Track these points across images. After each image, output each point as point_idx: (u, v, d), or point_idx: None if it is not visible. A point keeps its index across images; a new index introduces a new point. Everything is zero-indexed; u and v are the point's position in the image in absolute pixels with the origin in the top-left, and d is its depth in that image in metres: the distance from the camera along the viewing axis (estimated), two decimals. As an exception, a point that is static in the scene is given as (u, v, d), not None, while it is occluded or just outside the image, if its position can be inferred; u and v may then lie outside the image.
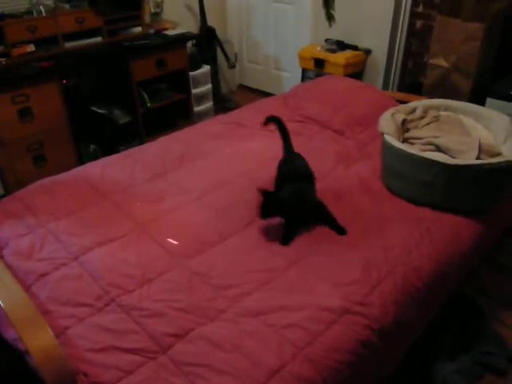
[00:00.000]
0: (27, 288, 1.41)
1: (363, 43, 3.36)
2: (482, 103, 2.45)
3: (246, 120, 2.51)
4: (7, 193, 2.54)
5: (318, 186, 1.71)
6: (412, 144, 1.94)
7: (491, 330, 1.79)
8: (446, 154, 1.83)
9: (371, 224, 1.67)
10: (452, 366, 1.64)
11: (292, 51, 3.83)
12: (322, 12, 3.47)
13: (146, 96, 3.17)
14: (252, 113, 2.61)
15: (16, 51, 2.68)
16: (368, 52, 3.36)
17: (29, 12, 2.78)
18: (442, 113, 2.14)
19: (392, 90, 3.36)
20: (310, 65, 3.45)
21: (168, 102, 3.33)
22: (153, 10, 3.48)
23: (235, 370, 1.14)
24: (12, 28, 2.64)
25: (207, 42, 3.78)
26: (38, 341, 1.12)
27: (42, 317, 1.21)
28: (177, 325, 1.27)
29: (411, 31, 3.13)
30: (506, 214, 1.93)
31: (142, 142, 2.96)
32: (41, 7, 2.79)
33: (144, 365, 1.18)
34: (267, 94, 4.03)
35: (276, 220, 1.67)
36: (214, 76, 3.88)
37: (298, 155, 1.81)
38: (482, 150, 1.78)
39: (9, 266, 1.48)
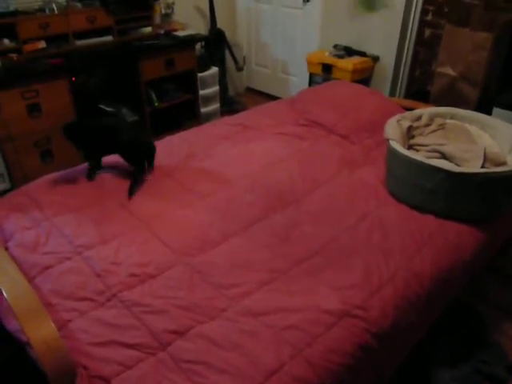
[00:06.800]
0: (31, 280, 1.43)
1: (371, 50, 3.37)
2: (489, 113, 2.46)
3: (252, 122, 2.53)
4: (13, 187, 2.57)
5: (322, 190, 1.71)
6: (417, 151, 1.94)
7: (491, 339, 1.78)
8: (450, 161, 1.83)
9: (374, 229, 1.68)
10: (451, 374, 1.64)
11: (300, 56, 3.85)
12: (331, 17, 3.50)
13: (153, 95, 3.20)
14: (258, 115, 2.63)
15: (27, 47, 2.72)
16: (376, 59, 3.37)
17: (41, 9, 2.82)
18: (448, 121, 2.15)
19: (399, 97, 3.37)
20: (318, 70, 3.46)
21: (175, 102, 3.36)
22: (163, 11, 3.51)
23: (233, 369, 1.15)
24: (24, 25, 2.68)
25: (216, 44, 3.81)
26: (39, 332, 1.14)
27: (44, 309, 1.22)
28: (177, 322, 1.28)
29: (420, 39, 3.14)
30: (510, 223, 1.93)
31: (148, 141, 2.97)
32: (53, 5, 2.83)
33: (143, 360, 1.19)
34: (274, 98, 4.05)
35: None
36: (222, 78, 3.90)
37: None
38: (487, 159, 1.78)
39: (14, 258, 1.49)
